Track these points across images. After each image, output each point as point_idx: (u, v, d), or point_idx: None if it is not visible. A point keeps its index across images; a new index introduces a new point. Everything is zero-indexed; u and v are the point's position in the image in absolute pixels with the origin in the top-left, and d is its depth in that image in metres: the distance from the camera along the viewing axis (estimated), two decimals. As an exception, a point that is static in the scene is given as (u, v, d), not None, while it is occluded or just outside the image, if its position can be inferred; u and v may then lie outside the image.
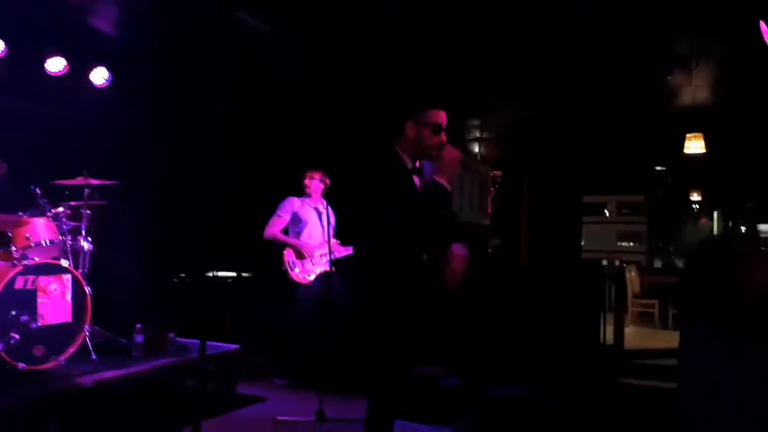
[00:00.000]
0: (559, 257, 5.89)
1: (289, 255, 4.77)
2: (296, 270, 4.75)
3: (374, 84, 5.30)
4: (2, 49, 4.97)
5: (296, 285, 4.75)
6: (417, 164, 2.89)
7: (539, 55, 5.27)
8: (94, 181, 4.35)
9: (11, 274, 3.51)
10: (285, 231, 4.87)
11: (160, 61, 5.44)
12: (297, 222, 4.86)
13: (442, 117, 2.83)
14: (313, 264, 4.78)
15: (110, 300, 4.15)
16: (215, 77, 5.41)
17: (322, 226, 4.85)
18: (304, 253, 4.76)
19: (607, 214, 7.44)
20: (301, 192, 4.94)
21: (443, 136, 2.81)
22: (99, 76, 5.51)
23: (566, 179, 6.19)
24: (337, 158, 4.54)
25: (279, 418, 3.90)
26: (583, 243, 6.59)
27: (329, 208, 4.80)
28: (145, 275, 4.80)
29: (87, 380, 3.50)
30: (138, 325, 4.08)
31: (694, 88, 6.37)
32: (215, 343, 4.37)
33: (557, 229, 6.06)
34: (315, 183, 4.87)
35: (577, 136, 6.21)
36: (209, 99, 5.50)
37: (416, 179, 2.87)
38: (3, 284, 3.44)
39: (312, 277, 4.77)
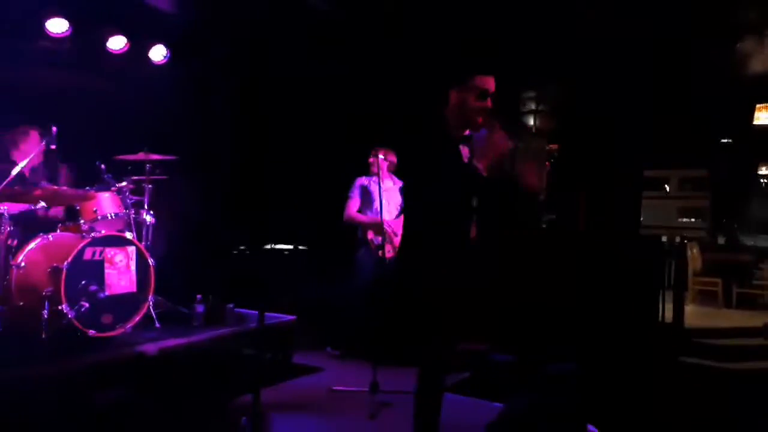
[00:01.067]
0: (618, 233, 5.73)
1: (371, 235, 4.77)
2: (384, 247, 4.68)
3: (427, 56, 5.20)
4: (66, 28, 5.14)
5: (381, 261, 4.65)
6: (467, 133, 2.74)
7: (598, 22, 5.07)
8: (155, 156, 4.47)
9: (81, 245, 3.67)
10: (359, 211, 4.90)
11: (216, 37, 5.52)
12: (367, 201, 4.87)
13: (489, 82, 2.66)
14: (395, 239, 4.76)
15: (171, 271, 4.29)
16: (272, 53, 5.43)
17: (393, 203, 4.84)
18: (384, 229, 4.63)
19: (668, 189, 7.20)
20: (367, 171, 4.95)
21: (489, 102, 2.66)
22: (158, 53, 5.63)
23: (625, 152, 5.98)
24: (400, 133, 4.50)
25: (334, 387, 3.98)
26: (642, 218, 6.39)
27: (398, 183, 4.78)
28: (205, 247, 4.93)
29: (151, 348, 3.65)
30: (198, 296, 4.22)
31: (767, 55, 6.01)
32: (272, 314, 4.49)
33: (616, 204, 5.88)
34: (379, 161, 4.79)
35: (636, 107, 5.98)
36: (265, 74, 5.52)
37: (464, 150, 2.73)
38: (73, 255, 3.61)
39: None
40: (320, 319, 4.97)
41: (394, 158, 4.87)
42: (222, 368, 4.01)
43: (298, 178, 5.44)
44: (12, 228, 3.74)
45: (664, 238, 6.56)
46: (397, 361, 4.07)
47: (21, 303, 3.66)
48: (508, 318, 4.42)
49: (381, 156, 4.77)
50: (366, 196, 4.88)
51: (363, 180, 4.94)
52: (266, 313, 4.32)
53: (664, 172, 6.99)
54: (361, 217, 4.85)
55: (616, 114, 5.98)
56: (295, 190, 5.28)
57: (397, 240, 4.68)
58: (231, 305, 4.28)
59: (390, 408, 3.67)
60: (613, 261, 5.25)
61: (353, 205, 4.88)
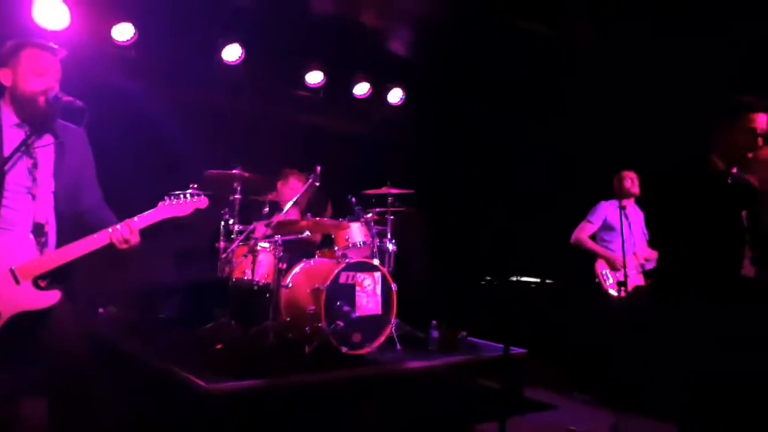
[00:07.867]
0: None
1: (601, 266, 4.58)
2: (610, 282, 4.53)
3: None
4: (321, 80, 5.89)
5: (609, 298, 4.52)
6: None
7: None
8: (395, 190, 4.86)
9: (337, 270, 4.11)
10: (593, 238, 4.69)
11: (447, 78, 5.84)
12: (608, 229, 4.64)
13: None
14: (628, 275, 4.42)
15: (410, 296, 4.56)
16: (497, 87, 5.53)
17: (633, 232, 4.57)
18: (617, 264, 4.47)
19: None
20: (611, 195, 4.67)
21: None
22: (395, 95, 6.15)
23: None
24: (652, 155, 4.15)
25: (571, 428, 3.86)
26: None
27: (638, 208, 4.58)
28: (442, 275, 5.15)
29: (395, 368, 3.93)
30: (433, 322, 4.43)
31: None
32: (499, 345, 4.52)
33: None
34: (625, 184, 4.56)
35: None
36: (498, 106, 5.61)
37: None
38: (331, 278, 4.05)
39: (628, 291, 4.42)
40: (560, 357, 4.78)
41: (635, 180, 4.59)
42: (455, 394, 4.14)
43: (548, 206, 5.22)
44: (282, 253, 4.34)
45: None
46: (647, 410, 3.81)
47: (288, 318, 4.21)
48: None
49: (628, 180, 4.55)
50: (607, 224, 4.64)
51: (607, 205, 4.68)
52: (496, 344, 4.37)
53: None
54: (595, 246, 4.63)
55: None
56: (545, 219, 5.09)
57: (632, 274, 4.42)
58: (464, 333, 4.41)
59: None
60: None
61: (588, 229, 4.65)
